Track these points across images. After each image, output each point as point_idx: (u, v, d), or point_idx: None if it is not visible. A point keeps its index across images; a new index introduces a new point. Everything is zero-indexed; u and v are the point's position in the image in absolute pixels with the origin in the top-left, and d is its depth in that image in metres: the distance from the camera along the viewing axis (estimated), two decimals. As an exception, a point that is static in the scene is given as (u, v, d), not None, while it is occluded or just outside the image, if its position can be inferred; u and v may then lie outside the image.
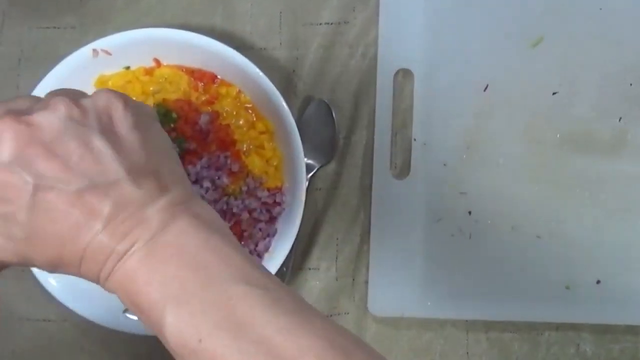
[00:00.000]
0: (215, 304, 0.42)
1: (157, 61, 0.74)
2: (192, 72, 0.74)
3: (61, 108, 0.43)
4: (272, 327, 0.41)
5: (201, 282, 0.42)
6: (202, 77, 0.74)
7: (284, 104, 0.71)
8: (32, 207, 0.42)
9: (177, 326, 0.42)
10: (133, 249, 0.43)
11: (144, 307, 0.43)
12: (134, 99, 0.70)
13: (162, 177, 0.45)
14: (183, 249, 0.43)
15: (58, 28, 0.79)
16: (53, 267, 0.45)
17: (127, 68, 0.74)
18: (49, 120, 0.43)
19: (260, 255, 0.72)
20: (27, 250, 0.44)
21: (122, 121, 0.45)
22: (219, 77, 0.74)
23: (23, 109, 0.44)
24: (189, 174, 0.71)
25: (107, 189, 0.42)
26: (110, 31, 0.73)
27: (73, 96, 0.45)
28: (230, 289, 0.42)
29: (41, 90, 0.71)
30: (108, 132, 0.44)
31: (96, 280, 0.44)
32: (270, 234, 0.73)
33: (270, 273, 0.45)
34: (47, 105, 0.44)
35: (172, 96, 0.74)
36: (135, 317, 0.65)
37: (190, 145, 0.72)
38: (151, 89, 0.74)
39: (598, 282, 0.73)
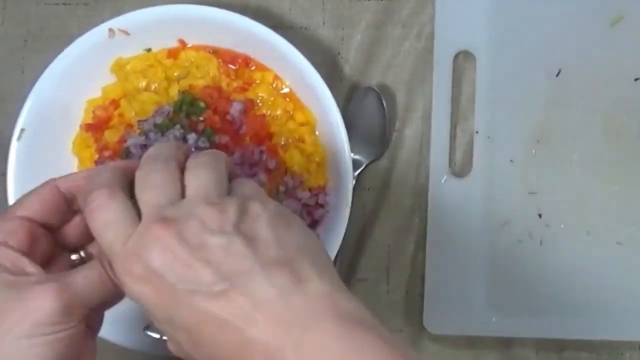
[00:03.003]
0: None
1: (182, 42, 0.73)
2: (222, 55, 0.73)
3: (206, 218, 0.48)
4: None
5: None
6: (234, 61, 0.73)
7: (328, 91, 0.69)
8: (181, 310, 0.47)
9: None
10: (286, 348, 0.45)
11: None
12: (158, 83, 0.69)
13: (299, 269, 0.48)
14: (330, 355, 0.45)
15: (69, 4, 0.78)
16: None
17: (148, 50, 0.73)
18: (194, 230, 0.47)
19: (300, 265, 0.70)
20: (193, 353, 0.49)
21: (259, 219, 0.49)
22: (253, 60, 0.72)
23: (168, 202, 0.49)
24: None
25: (244, 288, 0.46)
26: (128, 8, 0.72)
27: (215, 188, 0.50)
28: None
29: (49, 76, 0.71)
30: (245, 230, 0.48)
31: None
32: (312, 240, 0.71)
33: None
34: (192, 212, 0.48)
35: (200, 82, 0.72)
36: (157, 335, 0.67)
37: (220, 138, 0.70)
38: (175, 74, 0.73)
39: (688, 294, 0.72)
